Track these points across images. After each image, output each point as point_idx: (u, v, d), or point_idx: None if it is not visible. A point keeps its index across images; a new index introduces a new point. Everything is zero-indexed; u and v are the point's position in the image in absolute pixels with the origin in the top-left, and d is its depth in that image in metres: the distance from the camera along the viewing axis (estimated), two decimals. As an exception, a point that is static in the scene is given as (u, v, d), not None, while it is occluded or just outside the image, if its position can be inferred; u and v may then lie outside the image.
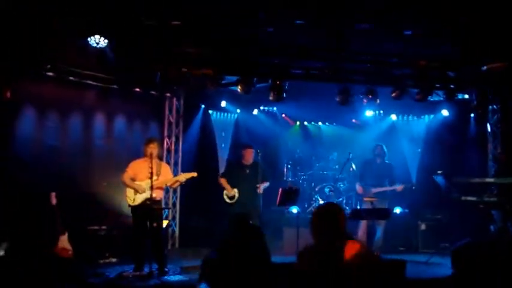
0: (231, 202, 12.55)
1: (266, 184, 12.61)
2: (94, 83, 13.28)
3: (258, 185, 12.30)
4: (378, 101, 12.88)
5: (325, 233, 5.17)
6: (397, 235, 14.80)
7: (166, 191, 14.43)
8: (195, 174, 11.50)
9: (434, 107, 16.02)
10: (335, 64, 12.42)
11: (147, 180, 11.03)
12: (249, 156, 12.70)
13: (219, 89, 13.32)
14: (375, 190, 13.43)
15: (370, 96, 12.78)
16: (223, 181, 12.75)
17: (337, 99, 12.74)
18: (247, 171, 12.67)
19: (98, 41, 10.97)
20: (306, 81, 12.87)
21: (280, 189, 12.18)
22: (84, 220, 12.52)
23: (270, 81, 12.59)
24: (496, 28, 10.44)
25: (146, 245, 11.18)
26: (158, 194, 11.35)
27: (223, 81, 12.74)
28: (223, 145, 16.99)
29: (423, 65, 12.39)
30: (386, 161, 13.85)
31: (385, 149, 13.83)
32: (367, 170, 13.90)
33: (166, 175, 11.50)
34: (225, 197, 12.62)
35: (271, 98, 12.51)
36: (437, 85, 13.08)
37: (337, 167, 16.80)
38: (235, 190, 12.54)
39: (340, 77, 12.67)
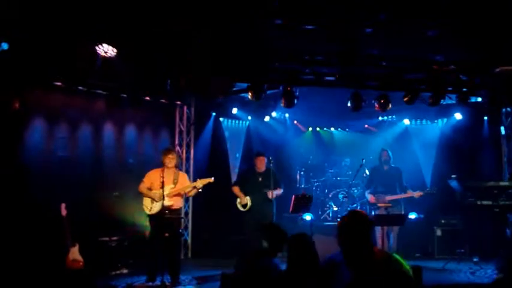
0: (244, 210, 12.52)
1: (279, 191, 12.56)
2: (103, 92, 13.28)
3: (267, 191, 12.28)
4: (390, 105, 12.71)
5: (356, 241, 5.04)
6: (412, 241, 14.73)
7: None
8: (211, 179, 11.44)
9: (447, 111, 15.95)
10: (346, 69, 12.27)
11: (165, 188, 11.04)
12: (261, 164, 12.67)
13: (229, 96, 13.20)
14: (389, 198, 13.28)
15: (382, 102, 12.63)
16: (236, 190, 12.75)
17: (349, 104, 12.61)
18: (260, 179, 12.62)
19: (106, 49, 10.90)
20: (317, 87, 12.74)
21: (293, 196, 12.09)
22: (95, 231, 12.40)
23: (280, 88, 12.50)
24: (507, 30, 10.30)
25: (161, 254, 11.08)
26: (176, 203, 11.35)
27: (234, 88, 12.63)
28: (237, 155, 16.94)
29: (436, 69, 12.22)
30: (393, 165, 13.69)
31: (390, 154, 13.67)
32: (376, 177, 13.78)
33: (183, 183, 11.48)
34: (238, 205, 12.62)
35: (282, 104, 12.40)
36: (450, 88, 12.91)
37: (350, 173, 16.79)
38: (248, 198, 12.50)
39: (352, 83, 12.53)
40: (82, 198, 12.17)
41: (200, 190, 11.58)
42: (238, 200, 12.60)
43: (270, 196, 12.25)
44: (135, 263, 12.54)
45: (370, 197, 13.62)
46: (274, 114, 17.17)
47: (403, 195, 13.30)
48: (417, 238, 14.98)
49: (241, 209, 12.56)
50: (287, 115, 17.65)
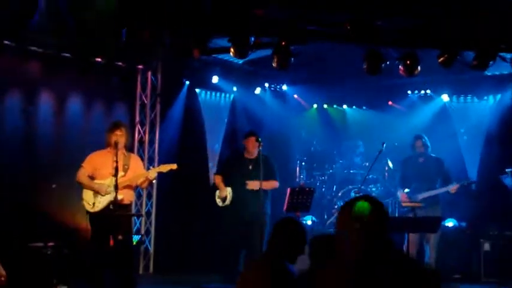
0: (223, 205, 12.61)
1: (273, 184, 12.48)
2: (39, 50, 13.15)
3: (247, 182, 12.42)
4: (419, 69, 12.46)
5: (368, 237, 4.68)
6: (450, 258, 14.65)
7: (138, 195, 14.31)
8: (174, 166, 11.45)
9: (501, 84, 15.93)
10: (362, 18, 12.09)
11: (111, 177, 10.91)
12: (253, 147, 12.71)
13: (208, 60, 13.09)
14: (421, 196, 13.28)
15: (408, 63, 12.39)
16: (218, 179, 12.87)
17: (364, 66, 12.41)
18: (251, 167, 12.69)
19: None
20: (323, 42, 12.64)
21: (289, 190, 12.02)
22: (24, 234, 12.30)
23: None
24: None
25: (109, 266, 11.09)
26: (127, 196, 11.33)
27: (211, 46, 12.51)
28: (217, 135, 16.97)
29: (483, 18, 12.01)
30: (433, 155, 13.60)
31: (427, 142, 13.58)
32: (410, 171, 13.73)
33: (136, 170, 11.48)
34: (217, 199, 12.70)
35: (274, 64, 12.22)
36: (503, 46, 12.63)
37: (367, 164, 16.66)
38: (229, 190, 12.54)
39: (369, 37, 12.34)
40: (8, 190, 12.23)
41: (154, 181, 11.53)
42: (218, 192, 12.65)
43: (249, 187, 12.30)
44: (77, 279, 12.31)
45: (402, 197, 13.64)
46: (267, 85, 17.33)
47: (438, 190, 13.37)
48: (457, 254, 14.86)
49: (220, 203, 12.62)
50: (285, 87, 17.72)
